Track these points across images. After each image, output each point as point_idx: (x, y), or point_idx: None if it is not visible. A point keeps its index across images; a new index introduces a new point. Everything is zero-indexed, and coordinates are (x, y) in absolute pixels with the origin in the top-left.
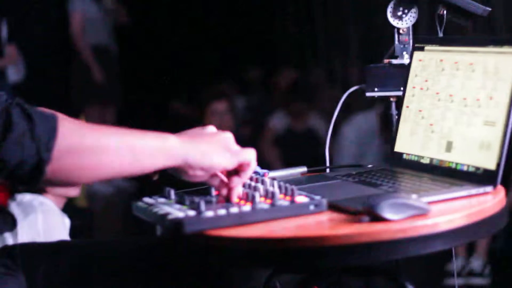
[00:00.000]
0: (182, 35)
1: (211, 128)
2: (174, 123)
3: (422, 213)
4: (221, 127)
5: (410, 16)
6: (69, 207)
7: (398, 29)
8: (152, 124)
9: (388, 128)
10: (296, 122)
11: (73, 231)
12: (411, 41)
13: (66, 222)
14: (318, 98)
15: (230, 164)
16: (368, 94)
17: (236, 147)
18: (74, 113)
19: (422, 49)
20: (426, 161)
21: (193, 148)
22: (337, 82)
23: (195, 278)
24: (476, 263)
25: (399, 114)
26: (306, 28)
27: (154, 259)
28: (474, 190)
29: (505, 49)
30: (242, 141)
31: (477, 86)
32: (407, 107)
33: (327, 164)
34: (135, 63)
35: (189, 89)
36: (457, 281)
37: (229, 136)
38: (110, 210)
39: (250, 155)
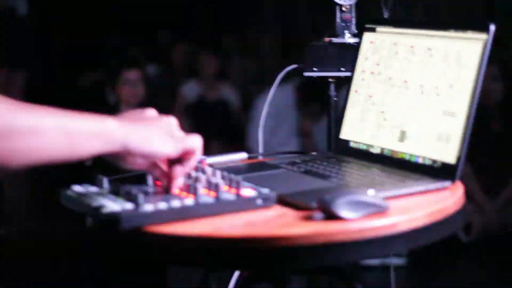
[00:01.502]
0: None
1: (152, 112)
2: (86, 91)
3: (380, 211)
4: (133, 96)
5: None
6: None
7: (341, 6)
8: (63, 93)
9: (305, 101)
10: (208, 91)
11: None
12: (354, 19)
13: None
14: (230, 67)
15: (174, 152)
16: (306, 74)
17: (180, 133)
18: None
19: (373, 30)
20: (376, 150)
21: (134, 132)
22: (250, 51)
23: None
24: None
25: (345, 99)
26: None
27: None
28: (432, 185)
29: (469, 34)
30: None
31: (436, 73)
32: (356, 91)
33: (260, 148)
34: (47, 27)
35: (100, 56)
36: (373, 261)
37: (172, 121)
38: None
39: (195, 142)
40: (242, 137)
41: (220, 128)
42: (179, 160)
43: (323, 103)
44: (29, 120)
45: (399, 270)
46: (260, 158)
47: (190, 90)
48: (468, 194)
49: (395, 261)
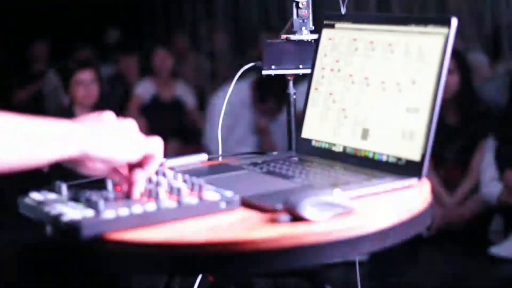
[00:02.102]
0: None
1: (109, 114)
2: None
3: (346, 212)
4: (87, 97)
5: None
6: None
7: (297, 2)
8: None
9: (261, 99)
10: (162, 91)
11: None
12: (310, 15)
13: None
14: (183, 65)
15: (134, 156)
16: (264, 72)
17: (140, 136)
18: None
19: (332, 26)
20: (338, 149)
21: (92, 137)
22: (202, 48)
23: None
24: None
25: (306, 97)
26: None
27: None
28: (398, 183)
29: (430, 29)
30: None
31: (397, 69)
32: (316, 89)
33: (220, 149)
34: None
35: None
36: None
37: (131, 124)
38: None
39: (156, 145)
40: (198, 136)
41: (176, 127)
42: (140, 164)
43: (279, 100)
44: None
45: (362, 266)
46: (221, 159)
47: (144, 89)
48: None
49: (358, 257)
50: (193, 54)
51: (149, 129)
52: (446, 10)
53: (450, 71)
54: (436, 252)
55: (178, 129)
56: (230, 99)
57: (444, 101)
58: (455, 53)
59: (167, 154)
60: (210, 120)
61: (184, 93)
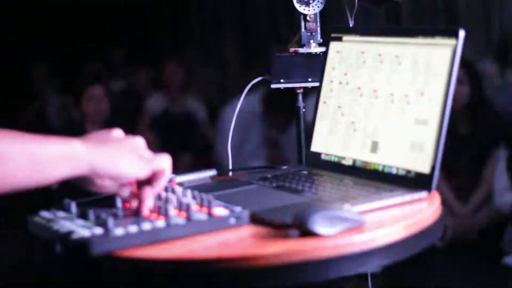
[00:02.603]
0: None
1: (118, 132)
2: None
3: (356, 226)
4: (98, 113)
5: (318, 1)
6: None
7: (305, 15)
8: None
9: (271, 112)
10: (173, 104)
11: None
12: (318, 28)
13: None
14: (193, 79)
15: (143, 173)
16: (273, 86)
17: (148, 153)
18: None
19: (339, 39)
20: (348, 162)
21: (101, 154)
22: (212, 62)
23: None
24: None
25: (315, 110)
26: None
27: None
28: (408, 196)
29: (437, 40)
30: (120, 127)
31: (405, 81)
32: (325, 102)
33: (230, 164)
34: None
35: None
36: None
37: (139, 141)
38: None
39: (164, 162)
40: (209, 149)
41: (187, 141)
42: (149, 181)
43: (290, 113)
44: None
45: (375, 277)
46: (230, 174)
47: (155, 103)
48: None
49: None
50: (202, 67)
51: (160, 143)
52: (456, 18)
53: (460, 82)
54: (449, 262)
55: (189, 143)
56: (241, 112)
57: (455, 111)
58: (465, 63)
59: (178, 168)
60: (220, 133)
61: (195, 106)
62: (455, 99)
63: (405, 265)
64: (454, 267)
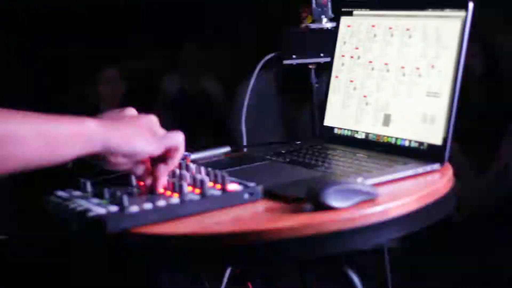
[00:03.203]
0: None
1: (131, 110)
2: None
3: (370, 199)
4: (114, 95)
5: None
6: None
7: None
8: None
9: (287, 89)
10: (190, 84)
11: None
12: (329, 3)
13: None
14: (209, 58)
15: (157, 150)
16: (286, 62)
17: (162, 131)
18: None
19: (350, 13)
20: (361, 136)
21: (115, 132)
22: (228, 41)
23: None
24: None
25: (327, 85)
26: None
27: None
28: (420, 169)
29: (447, 12)
30: (136, 107)
31: (416, 54)
32: (337, 77)
33: (244, 140)
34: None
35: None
36: None
37: (153, 119)
38: None
39: (178, 139)
40: (226, 127)
41: (204, 119)
42: (162, 158)
43: (305, 90)
44: (6, 127)
45: (393, 252)
46: (244, 150)
47: (171, 83)
48: (458, 172)
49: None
50: (218, 46)
51: (177, 122)
52: None
53: (473, 54)
54: (467, 237)
55: (206, 121)
56: (256, 89)
57: (470, 84)
58: (479, 36)
59: (196, 147)
60: (236, 112)
61: (212, 85)
62: (468, 72)
63: (422, 241)
64: (472, 242)
